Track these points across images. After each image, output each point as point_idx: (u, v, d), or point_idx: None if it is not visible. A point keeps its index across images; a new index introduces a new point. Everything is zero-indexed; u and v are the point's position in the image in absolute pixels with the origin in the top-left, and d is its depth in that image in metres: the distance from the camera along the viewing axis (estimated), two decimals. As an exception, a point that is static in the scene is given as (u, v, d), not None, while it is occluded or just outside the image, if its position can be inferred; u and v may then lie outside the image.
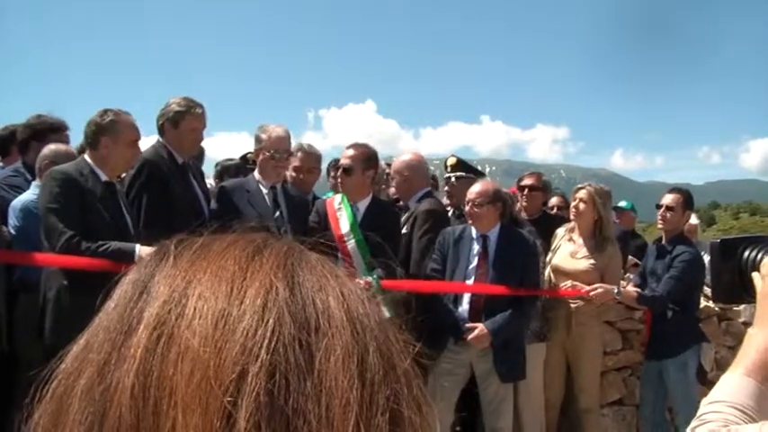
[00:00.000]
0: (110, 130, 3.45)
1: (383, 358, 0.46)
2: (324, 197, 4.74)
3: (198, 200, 3.96)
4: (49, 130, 4.30)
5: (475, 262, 4.24)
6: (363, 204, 4.21)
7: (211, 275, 0.46)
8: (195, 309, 0.44)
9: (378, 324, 0.48)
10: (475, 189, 4.28)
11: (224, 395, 0.41)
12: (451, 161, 5.41)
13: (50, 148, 4.03)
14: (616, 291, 4.68)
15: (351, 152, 4.20)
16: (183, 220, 3.47)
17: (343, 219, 4.15)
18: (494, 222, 4.27)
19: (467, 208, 4.30)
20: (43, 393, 0.47)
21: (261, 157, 4.12)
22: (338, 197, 4.29)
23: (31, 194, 3.87)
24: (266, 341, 0.42)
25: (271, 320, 0.43)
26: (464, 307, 4.21)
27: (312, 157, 4.92)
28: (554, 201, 6.38)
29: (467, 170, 5.35)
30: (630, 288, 4.81)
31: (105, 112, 3.50)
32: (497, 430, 4.24)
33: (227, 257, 0.48)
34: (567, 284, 4.65)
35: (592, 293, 4.63)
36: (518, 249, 4.28)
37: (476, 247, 4.26)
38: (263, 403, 0.41)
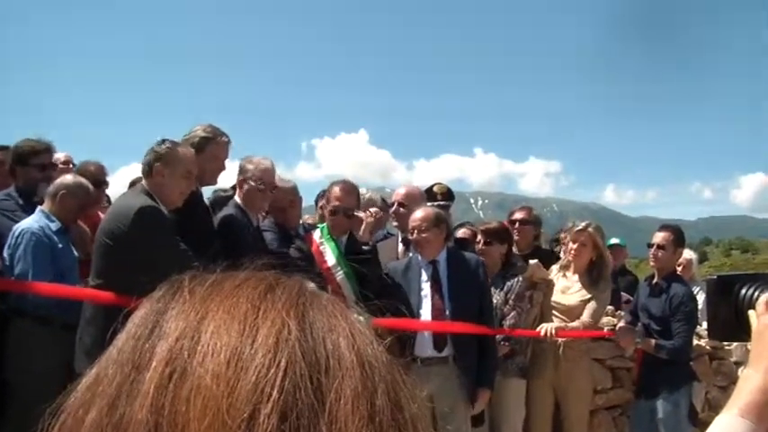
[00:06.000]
0: (166, 159, 3.43)
1: (391, 400, 0.46)
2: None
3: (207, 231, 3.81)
4: (31, 153, 4.30)
5: (426, 289, 4.19)
6: (343, 239, 4.25)
7: (224, 313, 0.47)
8: (208, 346, 0.45)
9: (386, 366, 0.48)
10: (417, 215, 4.24)
11: None
12: (442, 188, 5.33)
13: (70, 178, 4.07)
14: (639, 339, 4.76)
15: (348, 192, 4.31)
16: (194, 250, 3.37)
17: (327, 252, 4.16)
18: (440, 247, 4.25)
19: (412, 236, 4.25)
20: (51, 425, 0.47)
21: (246, 187, 4.04)
22: (318, 232, 4.31)
23: (33, 221, 3.84)
24: (278, 381, 0.43)
25: (283, 360, 0.44)
26: (426, 337, 4.13)
27: (287, 191, 4.45)
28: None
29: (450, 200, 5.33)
30: (648, 340, 4.76)
31: (163, 141, 3.48)
32: None
33: (240, 295, 0.48)
34: (550, 326, 4.59)
35: (617, 330, 5.01)
36: (469, 271, 4.25)
37: (424, 275, 4.22)
38: None
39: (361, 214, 4.28)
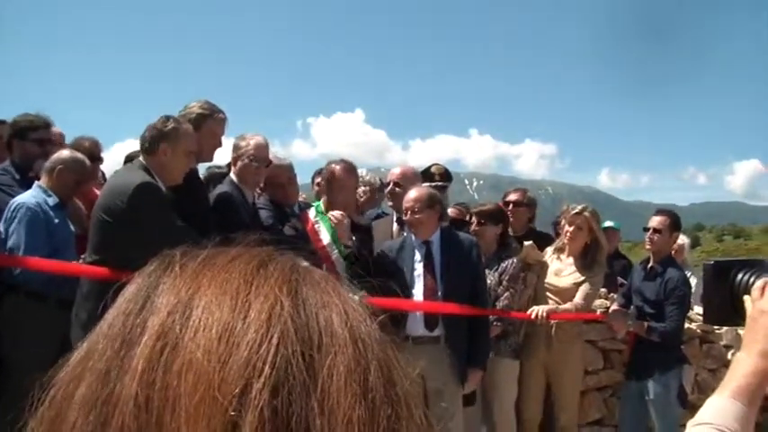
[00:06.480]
0: (170, 138, 3.41)
1: (384, 377, 0.46)
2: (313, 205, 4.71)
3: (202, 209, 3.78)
4: (29, 128, 4.27)
5: (419, 269, 4.20)
6: None
7: (216, 288, 0.46)
8: (200, 321, 0.44)
9: (379, 343, 0.48)
10: (411, 196, 4.23)
11: (228, 409, 0.41)
12: (440, 169, 5.34)
13: (67, 153, 4.05)
14: (630, 321, 4.79)
15: (348, 167, 4.33)
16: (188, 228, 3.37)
17: (322, 231, 4.16)
18: (434, 227, 4.25)
19: (406, 216, 4.25)
20: (41, 399, 0.47)
21: (240, 164, 4.03)
22: (313, 210, 4.31)
23: (31, 196, 3.83)
24: (270, 356, 0.42)
25: (275, 336, 0.43)
26: (417, 315, 4.15)
27: (285, 167, 4.58)
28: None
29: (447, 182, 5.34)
30: (639, 322, 4.81)
31: (167, 119, 3.46)
32: None
33: (232, 270, 0.48)
34: (541, 309, 4.62)
35: (610, 313, 5.04)
36: (463, 252, 4.26)
37: (418, 255, 4.23)
38: (266, 418, 0.41)
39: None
